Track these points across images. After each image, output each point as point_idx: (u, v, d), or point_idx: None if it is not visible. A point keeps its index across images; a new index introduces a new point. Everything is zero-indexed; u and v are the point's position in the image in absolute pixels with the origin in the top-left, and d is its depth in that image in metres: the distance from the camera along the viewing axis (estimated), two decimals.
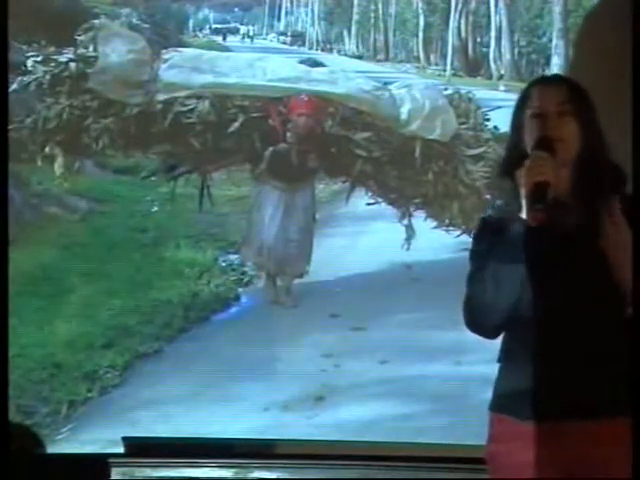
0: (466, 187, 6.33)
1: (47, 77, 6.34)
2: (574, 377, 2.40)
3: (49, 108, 6.32)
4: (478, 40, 8.54)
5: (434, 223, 6.41)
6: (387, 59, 8.83)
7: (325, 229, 6.68)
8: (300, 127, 6.27)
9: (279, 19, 9.36)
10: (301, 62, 6.92)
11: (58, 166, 6.42)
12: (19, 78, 6.27)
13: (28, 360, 5.60)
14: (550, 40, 7.78)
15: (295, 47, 9.06)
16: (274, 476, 3.88)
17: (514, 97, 2.60)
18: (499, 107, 6.38)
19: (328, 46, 9.17)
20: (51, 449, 2.74)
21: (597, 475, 2.39)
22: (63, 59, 6.37)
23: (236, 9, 9.18)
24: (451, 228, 6.35)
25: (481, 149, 6.35)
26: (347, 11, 9.24)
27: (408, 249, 6.36)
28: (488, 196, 6.14)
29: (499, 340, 2.52)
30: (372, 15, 9.08)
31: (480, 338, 2.53)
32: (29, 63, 6.35)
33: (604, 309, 2.40)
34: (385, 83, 6.67)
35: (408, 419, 5.21)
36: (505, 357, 2.51)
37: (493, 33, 8.38)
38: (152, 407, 5.38)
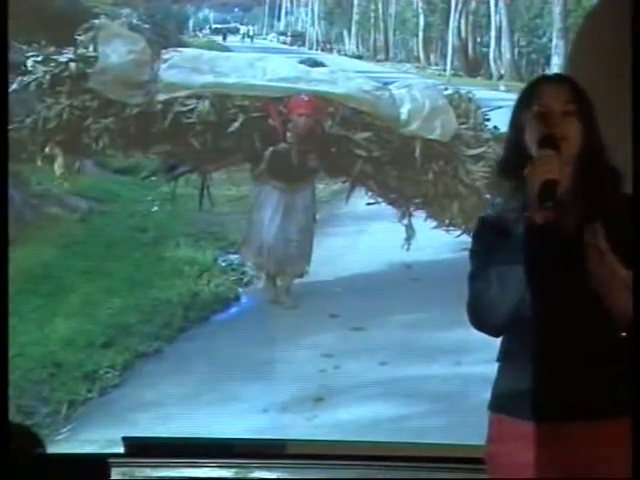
0: (466, 187, 6.32)
1: (47, 77, 6.34)
2: (574, 377, 2.40)
3: (49, 108, 6.32)
4: (478, 40, 8.54)
5: (434, 223, 6.41)
6: (387, 59, 8.83)
7: (325, 229, 6.68)
8: (300, 127, 6.27)
9: (279, 19, 9.36)
10: (301, 62, 6.92)
11: (58, 166, 6.42)
12: (19, 78, 6.27)
13: (28, 359, 5.60)
14: (550, 40, 7.78)
15: (295, 47, 9.07)
16: (274, 476, 3.88)
17: (514, 97, 2.59)
18: (499, 107, 6.38)
19: (328, 46, 9.17)
20: (51, 449, 2.74)
21: (597, 476, 2.39)
22: (63, 59, 6.37)
23: (236, 9, 9.19)
24: (451, 228, 6.35)
25: (481, 149, 6.35)
26: (347, 11, 9.24)
27: (408, 249, 6.36)
28: (488, 196, 6.14)
29: (499, 340, 2.52)
30: (372, 15, 9.08)
31: (480, 338, 2.53)
32: (29, 63, 6.35)
33: (604, 309, 2.40)
34: (385, 83, 6.67)
35: (408, 419, 5.21)
36: (505, 357, 2.51)
37: (493, 33, 8.38)
38: (152, 407, 5.38)
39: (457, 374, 5.45)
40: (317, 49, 9.10)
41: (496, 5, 8.30)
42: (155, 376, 5.68)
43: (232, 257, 6.75)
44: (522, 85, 2.66)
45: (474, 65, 8.44)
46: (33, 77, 6.33)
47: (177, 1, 8.65)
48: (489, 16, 8.43)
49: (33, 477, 2.35)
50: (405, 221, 6.40)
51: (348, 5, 9.21)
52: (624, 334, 2.41)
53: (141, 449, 3.83)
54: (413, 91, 6.49)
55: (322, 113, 6.33)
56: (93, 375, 5.67)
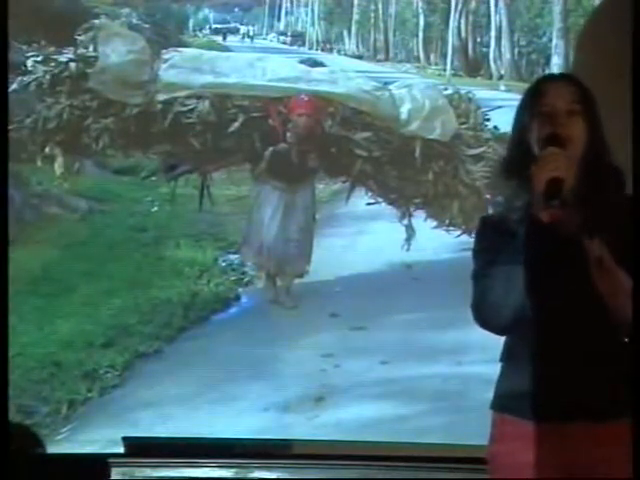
0: (466, 187, 6.33)
1: (47, 77, 6.35)
2: (577, 377, 2.40)
3: (49, 108, 6.33)
4: (478, 40, 8.55)
5: (434, 223, 6.42)
6: (387, 59, 8.84)
7: (325, 229, 6.68)
8: (300, 127, 6.27)
9: (279, 19, 9.37)
10: (301, 62, 6.93)
11: (58, 166, 6.43)
12: (19, 78, 6.27)
13: (28, 359, 5.60)
14: (550, 40, 7.78)
15: (295, 47, 9.08)
16: (274, 476, 3.88)
17: (514, 97, 2.59)
18: (499, 107, 6.39)
19: (328, 46, 9.18)
20: (51, 449, 2.74)
21: (597, 476, 2.38)
22: (63, 59, 6.37)
23: (236, 9, 9.19)
24: (451, 228, 6.36)
25: (481, 149, 6.35)
26: (347, 11, 9.25)
27: (408, 249, 6.36)
28: (488, 196, 6.14)
29: (500, 340, 2.52)
30: (372, 15, 9.09)
31: (480, 338, 2.53)
32: (29, 63, 6.36)
33: (607, 309, 2.40)
34: (385, 83, 6.68)
35: (408, 419, 5.20)
36: (508, 356, 2.50)
37: (493, 33, 8.39)
38: (152, 407, 5.37)
39: (457, 374, 5.45)
40: (317, 49, 9.11)
41: (496, 5, 8.31)
42: (155, 376, 5.67)
43: (232, 257, 6.75)
44: (522, 85, 2.67)
45: (474, 65, 8.45)
46: (33, 77, 6.33)
47: (177, 1, 8.66)
48: (489, 16, 8.44)
49: (33, 477, 2.35)
50: (405, 221, 6.41)
51: (348, 5, 9.22)
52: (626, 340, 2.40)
53: (141, 449, 3.82)
54: (413, 91, 6.49)
55: (322, 113, 6.33)
56: (93, 375, 5.67)
